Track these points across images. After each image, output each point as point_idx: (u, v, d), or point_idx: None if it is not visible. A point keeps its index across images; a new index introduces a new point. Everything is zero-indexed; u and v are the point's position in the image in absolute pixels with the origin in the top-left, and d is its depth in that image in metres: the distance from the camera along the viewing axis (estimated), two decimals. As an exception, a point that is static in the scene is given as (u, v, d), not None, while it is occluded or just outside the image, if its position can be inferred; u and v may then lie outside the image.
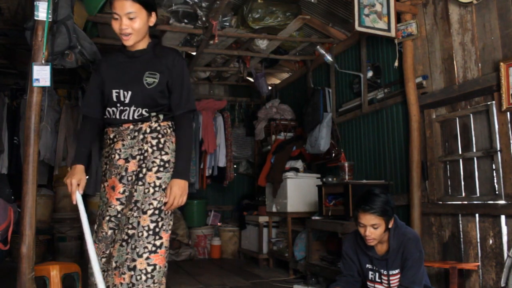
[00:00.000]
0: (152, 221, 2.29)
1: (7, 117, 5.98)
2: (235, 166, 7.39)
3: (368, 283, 3.12)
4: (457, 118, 3.76)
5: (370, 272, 3.09)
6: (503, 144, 3.30)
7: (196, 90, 7.67)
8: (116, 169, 2.36)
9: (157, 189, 2.34)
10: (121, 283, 2.24)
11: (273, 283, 4.79)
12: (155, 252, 2.28)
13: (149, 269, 2.25)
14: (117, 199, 2.33)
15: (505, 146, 3.28)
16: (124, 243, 2.28)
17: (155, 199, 2.32)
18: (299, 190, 5.43)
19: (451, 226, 3.73)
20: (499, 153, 3.34)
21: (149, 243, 2.27)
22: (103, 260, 2.30)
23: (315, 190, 4.91)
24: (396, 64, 4.26)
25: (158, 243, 2.29)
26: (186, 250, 6.60)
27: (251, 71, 6.57)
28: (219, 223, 7.35)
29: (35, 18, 3.04)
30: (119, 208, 2.33)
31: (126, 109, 2.38)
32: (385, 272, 3.00)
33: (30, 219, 2.98)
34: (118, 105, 2.38)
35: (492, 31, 3.41)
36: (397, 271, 2.96)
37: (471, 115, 3.63)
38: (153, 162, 2.36)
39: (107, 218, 2.33)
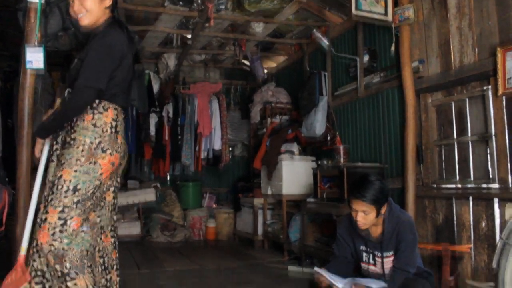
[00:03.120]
0: (47, 194, 2.32)
1: (1, 99, 5.94)
2: (230, 149, 7.40)
3: (362, 265, 3.15)
4: (452, 103, 3.77)
5: (364, 254, 3.12)
6: (498, 129, 3.31)
7: (191, 73, 7.63)
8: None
9: (54, 164, 2.41)
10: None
11: (268, 264, 4.84)
12: (40, 226, 2.23)
13: (37, 243, 2.23)
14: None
15: (500, 131, 3.29)
16: None
17: (51, 172, 2.40)
18: (294, 173, 5.45)
19: (445, 209, 3.77)
20: (493, 137, 3.36)
21: (40, 216, 2.29)
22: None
23: (310, 173, 4.93)
24: (392, 48, 4.25)
25: (43, 217, 2.23)
26: (181, 232, 6.63)
27: (247, 54, 6.54)
28: (214, 205, 7.38)
29: (28, -1, 3.00)
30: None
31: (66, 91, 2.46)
32: (379, 254, 3.03)
33: (25, 201, 2.99)
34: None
35: (489, 16, 3.40)
36: (391, 253, 2.99)
37: (466, 99, 3.64)
38: (64, 139, 2.41)
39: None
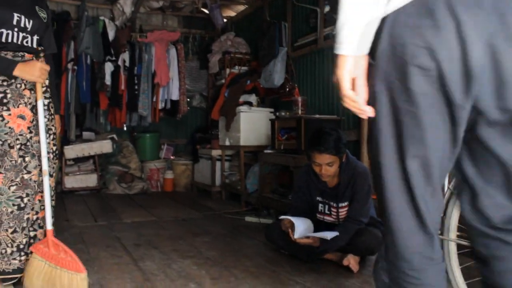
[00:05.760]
0: (54, 145, 2.58)
1: None
2: (188, 99, 7.30)
3: (318, 215, 3.24)
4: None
5: (320, 205, 3.20)
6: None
7: (148, 20, 7.38)
8: (22, 99, 2.40)
9: (53, 117, 2.60)
10: (39, 200, 2.49)
11: (226, 215, 4.89)
12: (55, 172, 2.60)
13: (53, 186, 2.52)
14: (28, 128, 2.41)
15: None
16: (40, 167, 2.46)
17: (53, 125, 2.59)
18: (252, 124, 5.44)
19: (398, 161, 3.87)
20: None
21: (55, 163, 2.58)
22: (12, 188, 2.36)
23: (268, 124, 4.94)
24: (353, -1, 4.20)
25: (57, 165, 2.64)
26: (138, 184, 6.60)
27: (206, 1, 6.35)
28: (172, 157, 7.34)
29: None
30: (29, 136, 2.41)
31: (28, 37, 2.43)
32: (334, 205, 3.11)
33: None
34: (16, 29, 2.37)
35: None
36: (346, 203, 3.07)
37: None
38: (46, 92, 2.57)
39: (18, 146, 2.37)
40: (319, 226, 3.18)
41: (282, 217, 3.15)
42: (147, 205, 5.49)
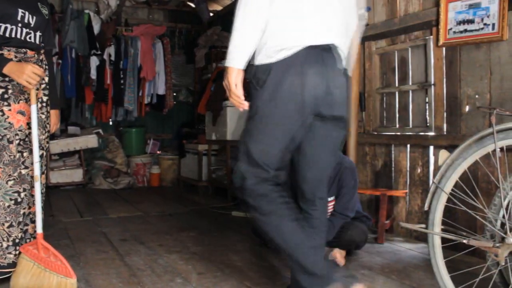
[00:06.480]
0: (47, 142, 2.63)
1: None
2: (174, 94, 7.27)
3: (304, 210, 3.24)
4: (396, 51, 3.83)
5: (306, 199, 3.20)
6: (437, 78, 3.41)
7: (134, 14, 7.33)
8: (22, 95, 2.42)
9: (48, 114, 2.62)
10: (32, 195, 2.49)
11: (212, 209, 4.89)
12: (44, 173, 2.56)
13: (44, 182, 2.54)
14: (27, 124, 2.44)
15: (439, 80, 3.39)
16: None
17: (48, 123, 2.62)
18: (239, 119, 5.43)
19: (384, 155, 3.90)
20: (432, 87, 3.45)
21: (46, 161, 2.62)
22: (10, 182, 2.40)
23: (255, 119, 4.93)
24: (339, -6, 4.20)
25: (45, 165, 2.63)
26: (125, 179, 6.56)
27: (192, -5, 6.32)
28: (158, 152, 7.31)
29: None
30: (27, 132, 2.44)
31: (31, 33, 2.45)
32: (320, 199, 3.12)
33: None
34: (20, 25, 2.39)
35: (434, -36, 3.42)
36: (332, 198, 3.08)
37: (409, 48, 3.70)
38: (46, 89, 2.59)
39: (17, 142, 2.41)
40: (305, 220, 3.19)
41: None
42: (133, 200, 5.47)
